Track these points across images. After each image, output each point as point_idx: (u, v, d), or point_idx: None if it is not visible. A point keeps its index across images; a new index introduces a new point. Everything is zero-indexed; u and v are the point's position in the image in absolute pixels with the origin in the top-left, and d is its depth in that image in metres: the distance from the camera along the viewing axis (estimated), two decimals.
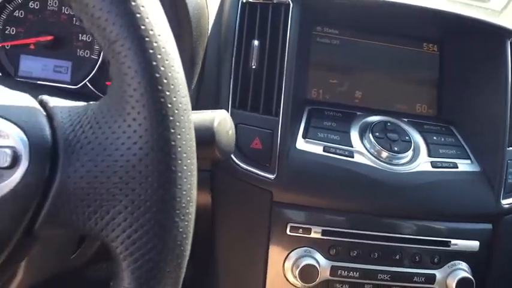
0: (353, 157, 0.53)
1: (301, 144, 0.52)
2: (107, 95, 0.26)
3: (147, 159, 0.24)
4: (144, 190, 0.24)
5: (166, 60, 0.25)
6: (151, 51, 0.24)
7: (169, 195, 0.25)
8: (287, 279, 0.52)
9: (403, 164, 0.54)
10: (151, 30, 0.25)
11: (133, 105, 0.24)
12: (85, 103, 0.27)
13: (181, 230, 0.25)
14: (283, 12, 0.53)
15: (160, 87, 0.24)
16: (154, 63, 0.24)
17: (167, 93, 0.25)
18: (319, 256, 0.51)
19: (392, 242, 0.52)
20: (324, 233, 0.51)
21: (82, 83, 0.62)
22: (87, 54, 0.63)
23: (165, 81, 0.25)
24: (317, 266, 0.50)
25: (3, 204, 0.24)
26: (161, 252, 0.24)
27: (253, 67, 0.52)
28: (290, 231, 0.51)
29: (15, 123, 0.25)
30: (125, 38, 0.24)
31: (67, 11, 0.62)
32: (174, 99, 0.25)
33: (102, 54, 0.61)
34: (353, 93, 0.61)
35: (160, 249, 0.24)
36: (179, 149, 0.25)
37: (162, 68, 0.25)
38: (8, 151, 0.24)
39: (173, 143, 0.25)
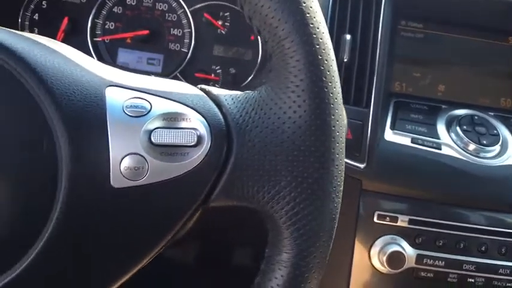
0: (441, 149, 0.54)
1: (389, 135, 0.54)
2: (267, 85, 0.29)
3: (311, 141, 0.27)
4: (307, 168, 0.27)
5: (328, 54, 0.28)
6: (317, 46, 0.27)
7: (328, 173, 0.28)
8: (372, 265, 0.54)
9: (490, 158, 0.54)
10: (318, 28, 0.28)
11: (299, 94, 0.27)
12: (239, 92, 0.31)
13: (335, 204, 0.28)
14: (374, 6, 0.55)
15: (324, 79, 0.27)
16: (320, 57, 0.27)
17: (330, 83, 0.27)
18: (405, 244, 0.53)
19: (478, 234, 0.53)
20: (410, 221, 0.53)
21: (173, 75, 0.67)
22: (177, 48, 0.67)
23: (328, 73, 0.27)
24: (404, 253, 0.52)
25: (189, 178, 0.27)
26: (320, 223, 0.28)
27: (345, 60, 0.54)
28: (377, 219, 0.53)
29: (194, 109, 0.28)
30: (295, 34, 0.27)
31: (160, 7, 0.67)
32: (335, 89, 0.28)
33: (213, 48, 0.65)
34: (436, 87, 0.61)
35: (320, 220, 0.28)
36: (337, 133, 0.28)
37: (326, 62, 0.27)
38: (194, 132, 0.27)
39: (333, 128, 0.28)
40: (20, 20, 0.65)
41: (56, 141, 0.25)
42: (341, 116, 0.28)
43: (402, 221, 0.53)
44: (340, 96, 0.29)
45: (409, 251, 0.53)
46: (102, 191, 0.26)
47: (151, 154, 0.27)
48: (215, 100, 0.29)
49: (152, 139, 0.27)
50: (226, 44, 0.67)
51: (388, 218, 0.53)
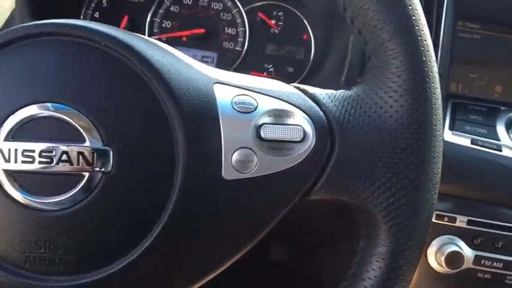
0: (501, 151, 0.54)
1: (448, 136, 0.54)
2: (364, 84, 0.30)
3: (414, 139, 0.28)
4: (409, 165, 0.28)
5: (431, 56, 0.29)
6: (422, 48, 0.28)
7: (429, 171, 0.29)
8: (429, 264, 0.54)
9: None
10: (422, 30, 0.29)
11: (402, 93, 0.28)
12: (332, 90, 0.32)
13: (433, 201, 0.29)
14: (435, 8, 0.55)
15: (428, 79, 0.28)
16: (424, 58, 0.28)
17: (432, 84, 0.28)
18: (462, 244, 0.53)
19: None
20: (469, 222, 0.53)
21: None
22: (231, 46, 0.68)
23: (431, 74, 0.28)
24: (462, 253, 0.52)
25: (294, 171, 0.28)
26: (419, 218, 0.29)
27: None
28: (435, 219, 0.53)
29: (296, 106, 0.29)
30: (400, 36, 0.28)
31: (215, 6, 0.68)
32: (436, 89, 0.29)
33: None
34: (493, 88, 0.61)
35: (418, 216, 0.29)
36: (438, 132, 0.29)
37: (429, 63, 0.28)
38: (300, 128, 0.29)
39: (435, 126, 0.29)
40: (81, 18, 0.67)
41: (173, 134, 0.26)
42: (441, 115, 0.29)
43: (460, 222, 0.53)
44: (440, 96, 0.29)
45: (467, 252, 0.53)
46: (214, 182, 0.27)
47: (260, 148, 0.28)
48: (312, 98, 0.30)
49: (261, 134, 0.28)
50: (279, 43, 0.68)
51: (446, 218, 0.53)
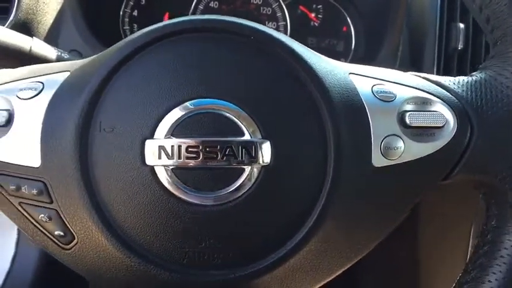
0: None
1: None
2: (490, 70, 0.31)
3: None
4: None
5: None
6: None
7: None
8: None
9: None
10: None
11: None
12: (451, 77, 0.32)
13: None
14: None
15: None
16: None
17: None
18: None
19: None
20: None
21: None
22: None
23: None
24: None
25: (437, 156, 0.29)
26: None
27: (459, 48, 0.55)
28: None
29: (432, 94, 0.30)
30: None
31: (255, 1, 0.68)
32: None
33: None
34: None
35: None
36: None
37: None
38: (441, 114, 0.29)
39: None
40: (121, 15, 0.66)
41: (324, 125, 0.27)
42: None
43: None
44: None
45: None
46: (365, 170, 0.27)
47: (406, 135, 0.29)
48: (438, 85, 0.31)
49: (406, 121, 0.29)
50: (319, 36, 0.69)
51: None
